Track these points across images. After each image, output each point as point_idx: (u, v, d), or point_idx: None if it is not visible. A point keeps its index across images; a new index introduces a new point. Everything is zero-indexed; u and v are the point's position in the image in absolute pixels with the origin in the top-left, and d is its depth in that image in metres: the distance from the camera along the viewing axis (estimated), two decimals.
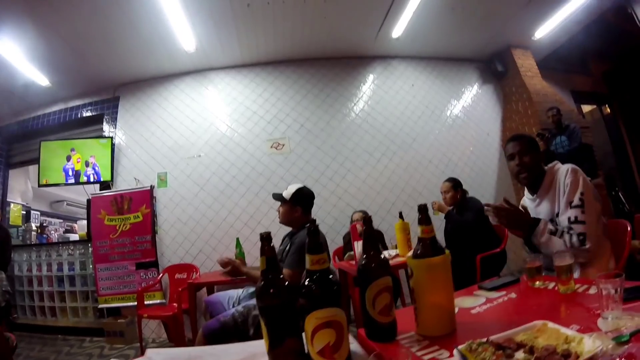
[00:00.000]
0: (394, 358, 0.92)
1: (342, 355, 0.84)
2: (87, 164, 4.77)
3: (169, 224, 4.69)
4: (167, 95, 5.11)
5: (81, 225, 5.25)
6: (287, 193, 2.52)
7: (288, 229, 2.64)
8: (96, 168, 4.78)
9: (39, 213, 6.69)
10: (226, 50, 4.82)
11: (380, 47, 5.29)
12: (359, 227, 3.01)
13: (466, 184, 3.96)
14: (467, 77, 6.02)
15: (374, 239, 1.08)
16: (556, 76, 6.44)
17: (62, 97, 5.13)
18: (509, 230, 1.78)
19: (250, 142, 4.96)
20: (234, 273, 2.26)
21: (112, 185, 4.80)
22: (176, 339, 3.78)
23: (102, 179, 4.80)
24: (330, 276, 0.88)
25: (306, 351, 0.87)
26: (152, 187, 4.64)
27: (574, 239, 1.60)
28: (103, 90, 5.13)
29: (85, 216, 4.96)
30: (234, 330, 2.26)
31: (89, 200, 4.68)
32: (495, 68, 5.91)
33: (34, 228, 5.41)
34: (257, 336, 2.11)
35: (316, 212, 2.64)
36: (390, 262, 2.32)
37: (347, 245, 3.93)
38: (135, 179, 4.77)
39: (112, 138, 4.89)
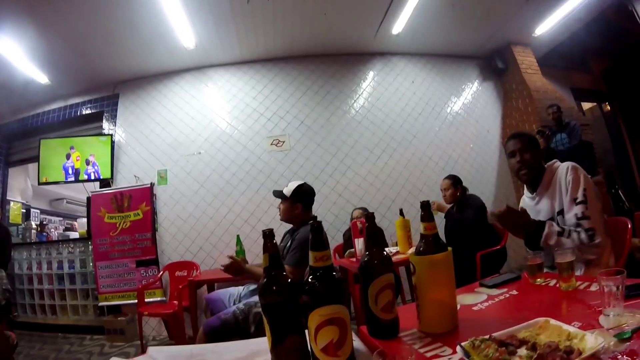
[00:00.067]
0: (397, 355, 0.91)
1: (346, 352, 0.84)
2: (87, 162, 4.76)
3: (169, 221, 4.69)
4: (166, 93, 5.11)
5: (81, 223, 5.26)
6: (287, 190, 2.51)
7: (288, 226, 2.64)
8: (96, 166, 4.77)
9: (38, 211, 6.68)
10: (226, 47, 4.81)
11: (381, 43, 5.28)
12: (359, 224, 3.02)
13: (466, 181, 3.96)
14: (467, 74, 6.01)
15: (376, 236, 1.08)
16: (556, 73, 6.43)
17: (61, 94, 5.12)
18: (512, 234, 1.77)
19: (250, 139, 4.96)
20: (236, 272, 2.26)
21: (112, 182, 4.80)
22: (177, 337, 3.78)
23: (101, 177, 4.79)
24: (334, 273, 0.88)
25: (309, 348, 0.87)
26: (152, 185, 4.64)
27: (583, 235, 1.59)
28: (102, 88, 5.12)
29: (85, 214, 4.96)
30: (235, 328, 2.26)
31: (88, 198, 4.68)
32: (496, 65, 5.91)
33: (34, 226, 5.41)
34: (258, 334, 2.12)
35: (316, 209, 2.64)
36: None
37: (348, 242, 3.94)
38: (135, 176, 4.76)
39: (111, 135, 4.88)
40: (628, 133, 7.03)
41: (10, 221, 5.36)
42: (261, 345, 0.96)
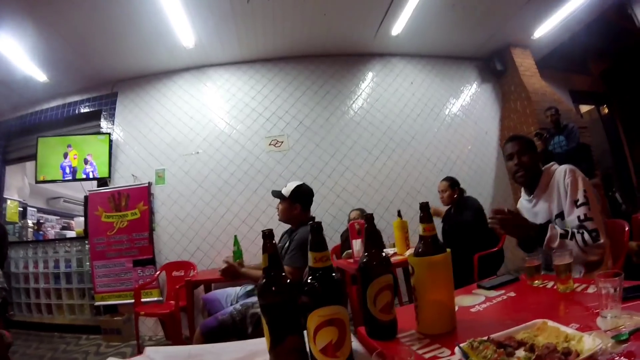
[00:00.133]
0: (396, 356, 0.92)
1: (345, 353, 0.84)
2: (85, 162, 4.75)
3: (166, 221, 4.68)
4: (165, 92, 5.10)
5: (78, 222, 5.24)
6: (286, 190, 2.51)
7: (286, 227, 2.64)
8: (93, 165, 4.76)
9: (35, 210, 6.66)
10: (225, 47, 4.81)
11: (380, 44, 5.29)
12: (356, 225, 3.02)
13: (464, 183, 3.97)
14: (466, 76, 6.03)
15: (375, 237, 1.08)
16: (555, 75, 6.46)
17: (59, 92, 5.10)
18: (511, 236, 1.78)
19: (249, 139, 4.96)
20: (232, 276, 2.26)
21: (109, 182, 4.79)
22: (173, 337, 3.77)
23: (99, 176, 4.78)
24: (333, 274, 0.88)
25: (308, 349, 0.87)
26: (149, 184, 4.63)
27: (587, 236, 1.58)
28: (101, 86, 5.10)
29: (82, 213, 4.94)
30: (232, 329, 2.26)
31: (86, 197, 4.67)
32: (495, 67, 5.92)
33: (31, 225, 5.39)
34: (256, 334, 2.12)
35: (314, 210, 2.63)
36: None
37: (345, 243, 3.94)
38: (133, 175, 4.75)
39: (109, 134, 4.87)
40: (626, 135, 7.06)
41: (6, 219, 5.34)
42: (259, 345, 0.96)
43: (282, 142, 4.98)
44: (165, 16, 3.90)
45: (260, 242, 0.93)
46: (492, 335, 0.85)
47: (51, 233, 5.83)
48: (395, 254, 3.02)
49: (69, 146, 4.76)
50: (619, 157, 6.93)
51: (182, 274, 4.32)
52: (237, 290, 2.78)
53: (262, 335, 0.92)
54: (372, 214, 1.12)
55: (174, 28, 4.15)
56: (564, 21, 5.13)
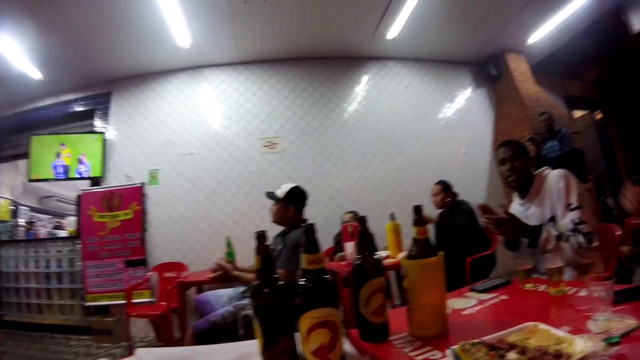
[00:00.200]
0: (387, 358, 0.92)
1: (337, 355, 0.84)
2: (80, 162, 4.71)
3: (159, 221, 4.66)
4: (160, 92, 5.08)
5: (70, 222, 5.20)
6: (280, 192, 2.50)
7: (279, 229, 2.63)
8: (87, 164, 4.72)
9: (28, 208, 6.60)
10: (222, 47, 4.80)
11: (376, 47, 5.30)
12: (349, 227, 3.02)
13: (458, 186, 3.98)
14: (461, 80, 6.05)
15: (369, 239, 1.08)
16: (549, 81, 6.50)
17: (53, 91, 5.06)
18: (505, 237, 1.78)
19: (243, 140, 4.95)
20: (225, 278, 2.24)
21: (102, 181, 4.75)
22: (165, 339, 3.75)
23: (92, 175, 4.74)
24: (327, 276, 0.88)
25: (300, 351, 0.87)
26: (143, 184, 4.60)
27: (581, 239, 1.59)
28: (96, 85, 5.07)
29: (75, 212, 4.91)
30: (224, 330, 2.25)
31: (79, 196, 4.63)
32: (489, 72, 5.95)
33: (23, 224, 5.34)
34: (247, 336, 2.11)
35: (307, 212, 2.63)
36: None
37: (338, 245, 3.94)
38: (126, 175, 4.72)
39: (103, 134, 4.84)
40: (618, 141, 7.12)
41: None
42: (251, 347, 0.96)
43: (276, 143, 4.98)
44: (162, 15, 3.89)
45: (253, 243, 0.93)
46: (484, 338, 0.85)
47: (43, 232, 5.78)
48: (388, 256, 3.02)
49: (62, 144, 4.73)
50: (612, 162, 6.98)
51: (174, 275, 4.29)
52: (229, 291, 2.77)
53: (253, 337, 0.92)
54: (365, 216, 1.12)
55: (170, 27, 4.13)
56: (558, 27, 5.17)
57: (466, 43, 5.52)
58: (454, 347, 0.82)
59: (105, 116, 5.01)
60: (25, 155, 4.88)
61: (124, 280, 4.34)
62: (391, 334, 1.05)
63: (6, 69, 4.32)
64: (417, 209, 1.10)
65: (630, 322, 0.88)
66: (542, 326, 0.88)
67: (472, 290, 1.47)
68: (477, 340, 0.83)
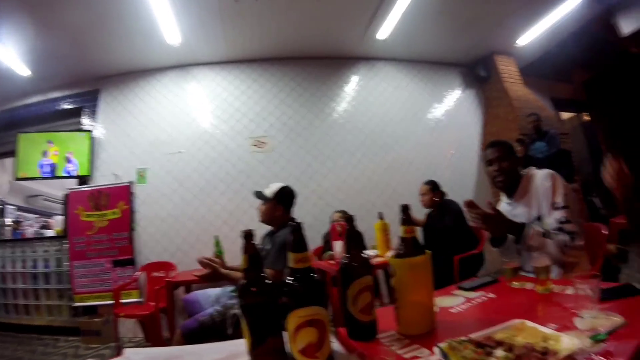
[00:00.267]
0: (375, 357, 0.92)
1: (324, 353, 0.83)
2: (68, 160, 4.65)
3: (147, 220, 4.61)
4: (149, 90, 5.02)
5: (57, 221, 5.12)
6: (269, 191, 2.49)
7: (267, 228, 2.62)
8: (75, 162, 4.66)
9: (15, 207, 6.49)
10: (211, 46, 4.77)
11: (366, 48, 5.30)
12: (338, 227, 3.02)
13: (446, 187, 4.00)
14: (450, 81, 6.08)
15: (357, 238, 1.08)
16: (537, 83, 6.56)
17: (41, 88, 4.96)
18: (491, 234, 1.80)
19: (232, 139, 4.93)
20: (214, 277, 2.21)
21: (90, 180, 4.69)
22: (153, 339, 3.72)
23: (80, 174, 4.68)
24: (314, 275, 0.88)
25: (288, 350, 0.86)
26: (131, 183, 4.56)
27: (566, 237, 1.62)
28: (84, 83, 4.99)
29: (62, 212, 4.84)
30: (213, 330, 2.24)
31: (66, 195, 4.57)
32: (479, 73, 5.99)
33: (10, 223, 5.25)
34: (236, 335, 2.08)
35: (296, 211, 2.62)
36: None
37: (327, 244, 3.93)
38: (114, 174, 4.67)
39: (91, 132, 4.78)
40: (605, 142, 7.21)
41: None
42: (240, 346, 0.95)
43: (265, 143, 4.96)
44: (151, 12, 3.82)
45: (241, 242, 0.92)
46: (471, 335, 0.85)
47: (30, 232, 5.69)
48: (377, 255, 3.04)
49: (49, 142, 4.66)
50: (599, 163, 7.06)
51: (163, 274, 4.26)
52: (217, 291, 2.76)
53: (242, 337, 0.91)
54: (352, 216, 1.12)
55: (160, 25, 4.08)
56: (548, 30, 5.21)
57: (456, 45, 5.55)
58: (442, 344, 0.82)
59: (93, 114, 4.94)
60: (12, 153, 4.79)
61: (112, 280, 4.29)
62: (379, 332, 1.05)
63: None
64: (405, 208, 1.11)
65: (616, 320, 0.89)
66: (529, 324, 0.89)
67: (460, 288, 1.48)
68: (464, 338, 0.84)
